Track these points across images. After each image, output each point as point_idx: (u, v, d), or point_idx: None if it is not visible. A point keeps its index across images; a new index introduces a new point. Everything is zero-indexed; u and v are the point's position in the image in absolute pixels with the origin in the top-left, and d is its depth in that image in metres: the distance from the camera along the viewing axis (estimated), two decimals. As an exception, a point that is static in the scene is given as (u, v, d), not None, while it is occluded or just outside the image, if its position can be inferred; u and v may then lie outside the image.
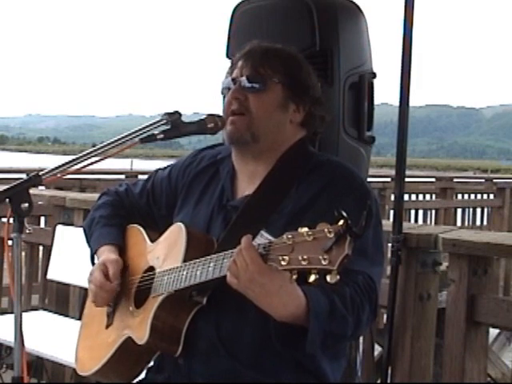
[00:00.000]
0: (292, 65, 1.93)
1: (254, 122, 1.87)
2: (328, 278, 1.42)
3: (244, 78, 1.90)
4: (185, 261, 1.79)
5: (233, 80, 1.92)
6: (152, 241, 2.00)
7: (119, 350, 1.90)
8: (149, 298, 1.86)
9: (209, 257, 1.72)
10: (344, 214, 1.41)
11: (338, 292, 1.66)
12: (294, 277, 1.49)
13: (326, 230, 1.42)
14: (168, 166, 2.17)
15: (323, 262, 1.41)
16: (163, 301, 1.81)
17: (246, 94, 1.89)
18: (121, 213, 2.14)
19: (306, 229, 1.46)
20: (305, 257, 1.44)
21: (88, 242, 2.14)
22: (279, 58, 1.93)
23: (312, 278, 1.44)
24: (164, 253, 1.90)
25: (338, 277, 1.42)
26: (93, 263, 2.07)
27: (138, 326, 1.84)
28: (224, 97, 2.00)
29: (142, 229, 2.08)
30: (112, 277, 1.93)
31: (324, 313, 1.63)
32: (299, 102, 1.91)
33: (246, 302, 1.63)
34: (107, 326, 2.00)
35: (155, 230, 2.03)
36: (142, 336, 1.80)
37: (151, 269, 1.92)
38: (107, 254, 2.01)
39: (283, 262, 1.48)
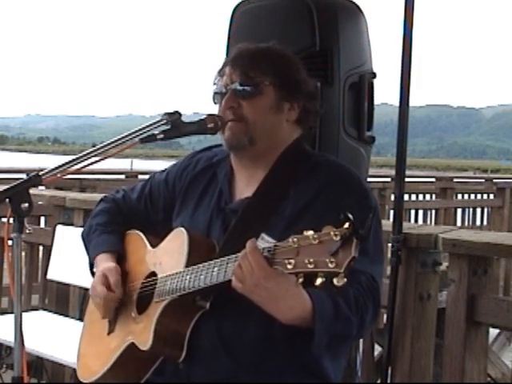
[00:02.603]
0: (281, 63, 1.91)
1: (251, 127, 1.86)
2: (335, 280, 1.41)
3: (236, 84, 1.87)
4: (187, 265, 1.77)
5: (224, 87, 1.89)
6: (152, 246, 1.98)
7: (122, 356, 1.88)
8: (151, 304, 1.84)
9: (212, 261, 1.70)
10: (350, 216, 1.40)
11: (342, 293, 1.65)
12: (300, 280, 1.48)
13: (331, 233, 1.41)
14: (165, 169, 2.16)
15: (330, 265, 1.40)
16: (166, 306, 1.79)
17: (239, 101, 1.86)
18: (118, 219, 2.12)
19: (311, 232, 1.45)
20: (311, 260, 1.43)
21: (86, 250, 2.12)
22: (267, 58, 1.90)
23: (319, 281, 1.43)
24: (166, 258, 1.89)
25: (345, 279, 1.41)
26: (91, 271, 2.05)
27: (141, 332, 1.82)
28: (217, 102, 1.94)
29: (141, 234, 2.06)
30: (114, 286, 1.92)
31: (329, 315, 1.63)
32: (293, 100, 1.90)
33: (248, 305, 1.62)
34: (109, 333, 1.98)
35: (155, 235, 2.01)
36: (145, 341, 1.78)
37: (153, 274, 1.91)
38: (104, 262, 1.99)
39: (289, 266, 1.47)
